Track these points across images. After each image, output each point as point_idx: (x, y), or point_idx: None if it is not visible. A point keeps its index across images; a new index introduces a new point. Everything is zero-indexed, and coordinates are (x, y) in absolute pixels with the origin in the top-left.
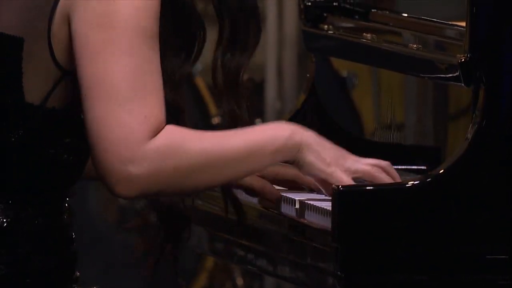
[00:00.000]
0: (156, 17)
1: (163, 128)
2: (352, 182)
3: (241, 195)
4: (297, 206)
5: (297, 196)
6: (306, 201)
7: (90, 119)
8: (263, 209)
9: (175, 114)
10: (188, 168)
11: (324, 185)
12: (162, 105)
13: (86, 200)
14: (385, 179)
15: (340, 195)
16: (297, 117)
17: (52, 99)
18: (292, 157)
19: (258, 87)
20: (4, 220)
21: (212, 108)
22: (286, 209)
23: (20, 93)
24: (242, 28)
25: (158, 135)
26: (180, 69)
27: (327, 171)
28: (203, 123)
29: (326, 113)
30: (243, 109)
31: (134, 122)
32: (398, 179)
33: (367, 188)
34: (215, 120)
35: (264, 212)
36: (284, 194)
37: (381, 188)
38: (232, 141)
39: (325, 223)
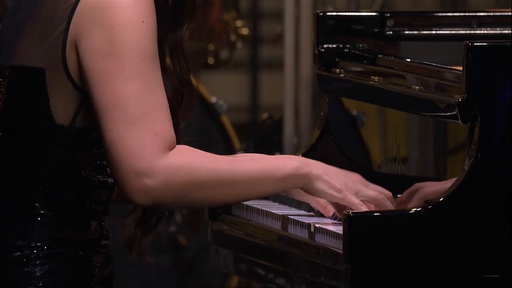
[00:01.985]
0: (155, 37)
1: (173, 142)
2: (361, 204)
3: (262, 220)
4: (312, 230)
5: (311, 221)
6: (320, 226)
7: (107, 140)
8: (281, 233)
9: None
10: (200, 183)
11: (338, 208)
12: (170, 122)
13: (120, 224)
14: (390, 206)
15: (350, 220)
16: (312, 151)
17: (79, 118)
18: (302, 186)
19: (278, 124)
20: (38, 243)
21: (236, 143)
22: (301, 233)
23: (50, 117)
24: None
25: (173, 151)
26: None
27: (339, 196)
28: None
29: (338, 147)
30: (187, 72)
31: (146, 138)
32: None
33: (375, 214)
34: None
35: (282, 235)
36: (299, 219)
37: (387, 214)
38: (243, 164)
39: (337, 245)
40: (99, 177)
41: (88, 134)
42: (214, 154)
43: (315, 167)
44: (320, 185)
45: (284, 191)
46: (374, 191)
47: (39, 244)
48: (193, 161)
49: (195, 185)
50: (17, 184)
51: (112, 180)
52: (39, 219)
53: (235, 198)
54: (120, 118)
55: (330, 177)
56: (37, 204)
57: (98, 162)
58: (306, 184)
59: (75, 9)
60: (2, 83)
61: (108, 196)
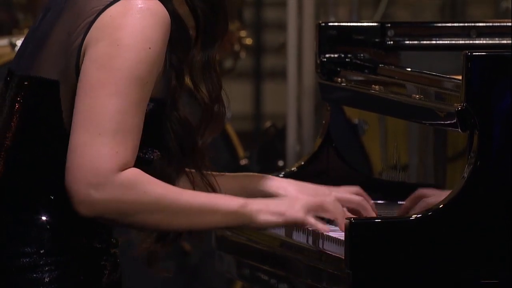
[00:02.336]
0: (156, 68)
1: (130, 167)
2: (304, 217)
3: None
4: (314, 236)
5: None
6: (322, 232)
7: (71, 144)
8: (284, 239)
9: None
10: (144, 206)
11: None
12: (135, 148)
13: (129, 231)
14: (335, 211)
15: (352, 227)
16: (314, 159)
17: None
18: (246, 224)
19: (280, 133)
20: (47, 250)
21: (240, 151)
22: (304, 239)
23: (62, 129)
24: (212, 20)
25: (126, 171)
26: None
27: (282, 219)
28: (232, 165)
29: (340, 155)
30: (219, 88)
31: (106, 153)
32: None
33: (376, 220)
34: (243, 162)
35: (285, 241)
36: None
37: (388, 220)
38: (189, 194)
39: (339, 251)
40: None
41: None
42: (163, 182)
43: (257, 203)
44: (263, 217)
45: (228, 227)
46: (316, 201)
47: (48, 251)
48: (142, 185)
49: (140, 207)
50: (25, 192)
51: None
52: (48, 226)
53: (178, 227)
54: (89, 127)
55: (272, 206)
56: (46, 212)
57: None
58: (249, 221)
59: (92, 25)
60: (22, 94)
61: None
